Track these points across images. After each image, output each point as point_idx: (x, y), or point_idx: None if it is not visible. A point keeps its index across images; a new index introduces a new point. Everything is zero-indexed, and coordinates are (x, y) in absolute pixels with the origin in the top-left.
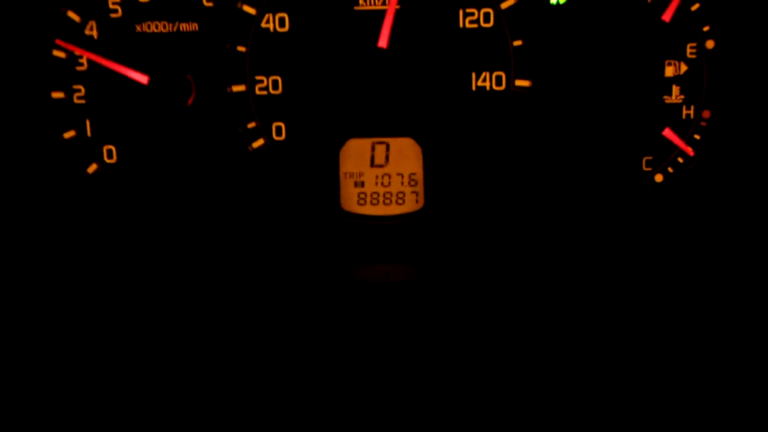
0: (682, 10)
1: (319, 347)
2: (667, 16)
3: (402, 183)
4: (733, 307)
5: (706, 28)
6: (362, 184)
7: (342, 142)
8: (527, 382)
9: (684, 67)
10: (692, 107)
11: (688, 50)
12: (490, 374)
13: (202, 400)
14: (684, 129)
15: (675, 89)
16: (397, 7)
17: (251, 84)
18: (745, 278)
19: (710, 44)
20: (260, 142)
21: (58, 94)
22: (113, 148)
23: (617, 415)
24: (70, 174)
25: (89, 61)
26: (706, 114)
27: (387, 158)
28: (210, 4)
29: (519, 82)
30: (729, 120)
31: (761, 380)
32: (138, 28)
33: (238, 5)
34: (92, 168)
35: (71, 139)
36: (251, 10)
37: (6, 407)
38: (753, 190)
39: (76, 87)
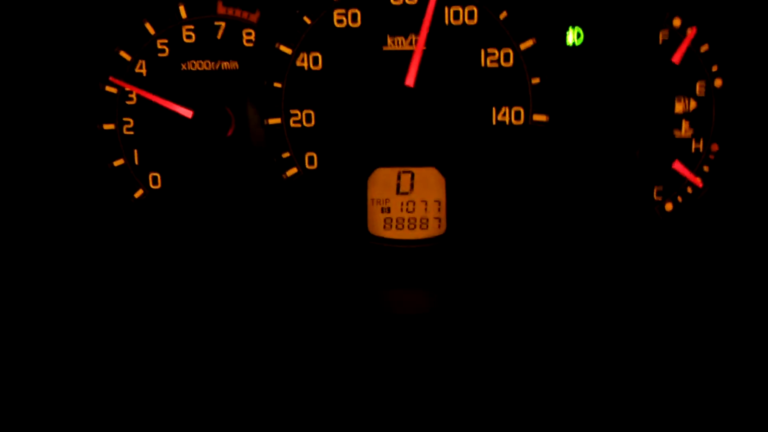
0: (692, 51)
1: (342, 365)
2: (676, 59)
3: (426, 209)
4: (738, 330)
5: (714, 68)
6: (388, 210)
7: (370, 171)
8: (541, 401)
9: (693, 104)
10: (701, 141)
11: (698, 88)
12: (505, 394)
13: (215, 411)
14: (693, 162)
15: (684, 124)
16: (424, 48)
17: (286, 117)
18: (750, 304)
19: (718, 83)
20: (294, 170)
21: (109, 126)
22: (158, 176)
23: None
24: (119, 198)
25: (138, 96)
26: (714, 147)
27: (412, 186)
28: (249, 45)
29: (537, 117)
30: (736, 153)
31: (763, 394)
32: (183, 67)
33: (276, 45)
34: (138, 193)
35: (120, 166)
36: (287, 50)
37: (12, 407)
38: (759, 219)
39: (125, 119)
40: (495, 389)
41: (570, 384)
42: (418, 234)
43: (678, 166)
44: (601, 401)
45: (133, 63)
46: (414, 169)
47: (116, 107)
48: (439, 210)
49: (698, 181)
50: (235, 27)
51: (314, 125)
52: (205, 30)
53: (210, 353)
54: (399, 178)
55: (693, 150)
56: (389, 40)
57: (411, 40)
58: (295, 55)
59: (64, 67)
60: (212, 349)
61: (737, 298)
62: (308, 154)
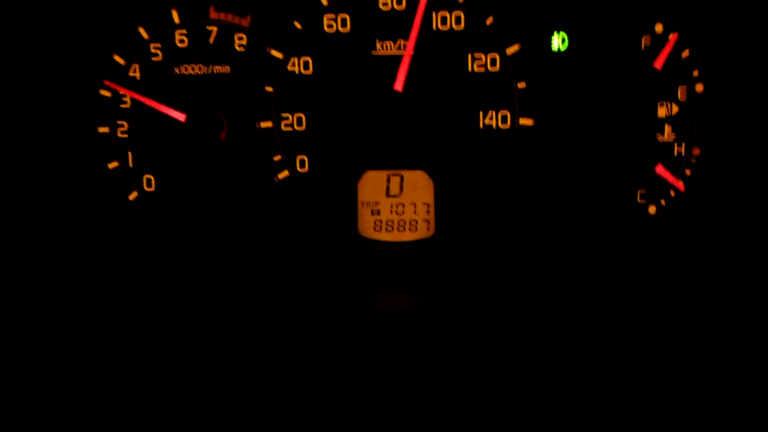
0: (674, 56)
1: (332, 365)
2: (658, 64)
3: (415, 212)
4: (722, 329)
5: (695, 73)
6: (378, 212)
7: (360, 174)
8: (529, 401)
9: (675, 108)
10: (683, 145)
11: (680, 93)
12: (494, 394)
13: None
14: (675, 165)
15: (667, 128)
16: (412, 53)
17: (277, 121)
18: (734, 303)
19: (700, 87)
20: (285, 173)
21: (103, 129)
22: (152, 178)
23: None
24: (113, 200)
25: (132, 99)
26: (696, 151)
27: (401, 189)
28: (241, 49)
29: (523, 121)
30: (718, 157)
31: (759, 400)
32: (176, 71)
33: (267, 50)
34: (133, 195)
35: (114, 169)
36: (278, 55)
37: (13, 407)
38: (740, 221)
39: (120, 123)
40: (484, 389)
41: (558, 384)
42: (407, 236)
43: (660, 169)
44: (589, 399)
45: (127, 67)
46: (403, 172)
47: (110, 111)
48: (428, 212)
49: (680, 185)
50: (227, 31)
51: (305, 129)
52: (197, 34)
53: (203, 353)
54: (388, 180)
55: (675, 154)
56: (378, 45)
57: (400, 45)
58: (286, 59)
59: (59, 71)
60: (205, 348)
61: (721, 298)
62: (299, 157)
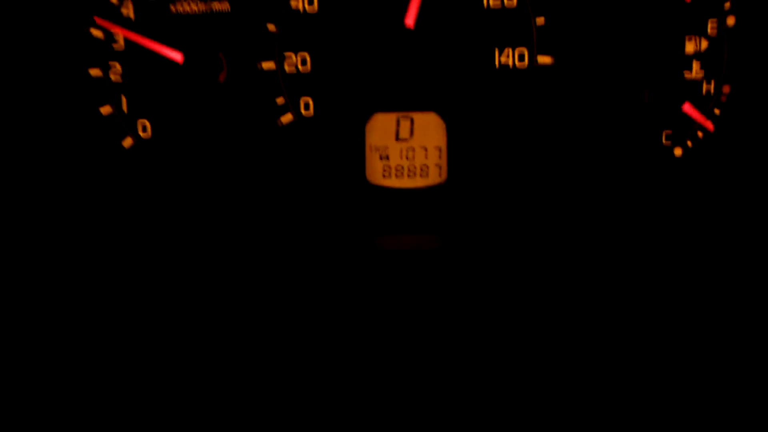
0: None
1: (340, 318)
2: None
3: (426, 156)
4: (745, 288)
5: (727, 5)
6: (387, 158)
7: (368, 117)
8: (543, 352)
9: (705, 44)
10: (712, 82)
11: (709, 26)
12: (508, 340)
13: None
14: (704, 104)
15: (695, 65)
16: None
17: (280, 61)
18: (758, 259)
19: (731, 21)
20: (289, 117)
21: (95, 71)
22: (148, 123)
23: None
24: (107, 147)
25: (125, 39)
26: (726, 89)
27: (411, 132)
28: None
29: (541, 59)
30: (749, 96)
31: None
32: (172, 9)
33: None
34: (128, 142)
35: (108, 114)
36: None
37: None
38: None
39: (112, 64)
40: (498, 335)
41: (574, 335)
42: (418, 182)
43: (688, 108)
44: (605, 353)
45: (120, 4)
46: (413, 114)
47: (102, 51)
48: (439, 157)
49: (709, 125)
50: None
51: (310, 70)
52: None
53: (210, 304)
54: (398, 123)
55: (704, 92)
56: None
57: None
58: None
59: (47, 9)
60: (212, 300)
61: (747, 249)
62: (304, 99)
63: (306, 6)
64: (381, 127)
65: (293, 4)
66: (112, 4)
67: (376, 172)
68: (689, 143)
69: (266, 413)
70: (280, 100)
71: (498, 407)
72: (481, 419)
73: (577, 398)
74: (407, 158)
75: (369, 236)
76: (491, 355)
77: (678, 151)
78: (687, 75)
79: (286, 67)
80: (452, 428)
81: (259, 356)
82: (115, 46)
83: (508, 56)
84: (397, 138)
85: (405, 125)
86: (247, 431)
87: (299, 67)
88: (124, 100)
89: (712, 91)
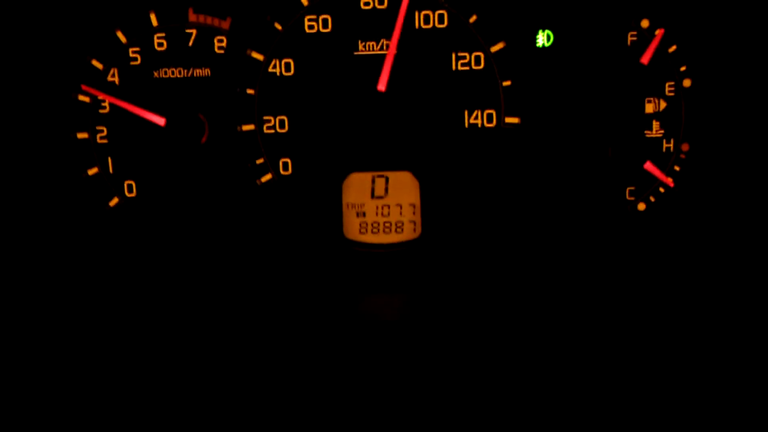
0: (660, 51)
1: (321, 368)
2: (645, 59)
3: (401, 213)
4: (711, 325)
5: (683, 68)
6: (363, 215)
7: (344, 176)
8: (517, 400)
9: (663, 104)
10: (672, 141)
11: (667, 88)
12: (480, 395)
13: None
14: (664, 161)
15: (655, 124)
16: (395, 53)
17: (260, 123)
18: (723, 300)
19: (687, 83)
20: (268, 176)
21: (82, 135)
22: (133, 183)
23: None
24: (94, 207)
25: (111, 104)
26: (684, 147)
27: (386, 190)
28: (221, 52)
29: (509, 119)
30: (707, 152)
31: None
32: (155, 74)
33: (247, 52)
34: (114, 201)
35: (94, 175)
36: (259, 56)
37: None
38: (730, 217)
39: (99, 128)
40: (470, 391)
41: (546, 381)
42: (393, 237)
43: (649, 166)
44: (575, 397)
45: (106, 71)
46: (388, 173)
47: (89, 116)
48: (414, 213)
49: (670, 181)
50: (206, 34)
51: (288, 131)
52: (176, 37)
53: (190, 356)
54: (373, 182)
55: (664, 150)
56: (360, 45)
57: (382, 45)
58: (267, 61)
59: (36, 76)
60: (192, 353)
61: (709, 296)
62: (282, 159)
63: (283, 71)
64: (357, 186)
65: (271, 69)
66: (99, 70)
67: (353, 228)
68: (652, 198)
69: None
70: (259, 161)
71: None
72: None
73: None
74: (383, 215)
75: (346, 294)
76: (468, 411)
77: (641, 206)
78: (648, 134)
79: (265, 129)
80: None
81: (235, 409)
82: (101, 110)
83: (477, 117)
84: (373, 196)
85: (380, 183)
86: None
87: (278, 128)
88: (110, 161)
89: (671, 148)
